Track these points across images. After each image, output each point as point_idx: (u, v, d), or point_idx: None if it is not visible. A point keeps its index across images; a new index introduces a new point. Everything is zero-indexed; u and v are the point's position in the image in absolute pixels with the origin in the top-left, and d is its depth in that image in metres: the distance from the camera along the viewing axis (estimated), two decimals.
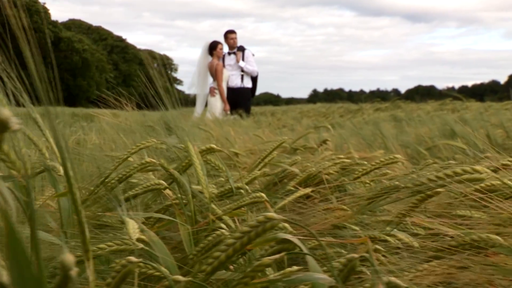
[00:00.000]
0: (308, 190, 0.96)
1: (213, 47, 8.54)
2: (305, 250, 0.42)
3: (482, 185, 0.86)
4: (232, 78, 8.62)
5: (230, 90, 8.57)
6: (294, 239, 0.43)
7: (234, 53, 8.65)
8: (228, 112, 8.40)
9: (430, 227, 0.58)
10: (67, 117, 13.61)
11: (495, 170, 1.26)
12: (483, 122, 3.32)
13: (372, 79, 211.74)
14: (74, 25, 65.12)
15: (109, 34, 66.86)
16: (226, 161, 2.18)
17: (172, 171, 0.76)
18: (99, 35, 66.05)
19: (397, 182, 0.66)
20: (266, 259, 0.42)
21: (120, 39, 67.25)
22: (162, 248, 0.50)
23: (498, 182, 0.82)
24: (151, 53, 78.63)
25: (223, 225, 0.71)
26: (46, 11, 47.22)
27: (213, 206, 0.80)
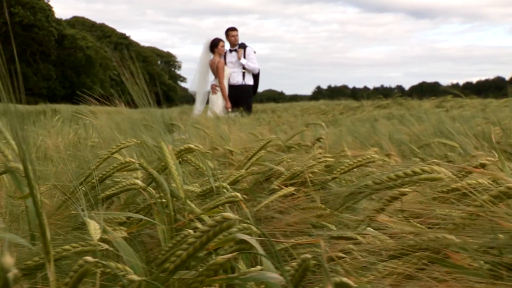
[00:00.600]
0: (291, 189, 0.97)
1: (214, 45, 8.54)
2: (260, 251, 0.43)
3: (459, 184, 0.86)
4: (233, 75, 8.62)
5: (232, 87, 8.57)
6: (251, 240, 0.45)
7: (236, 50, 8.65)
8: (230, 110, 8.41)
9: (393, 227, 0.59)
10: (69, 115, 13.63)
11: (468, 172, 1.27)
12: (481, 119, 3.32)
13: (376, 75, 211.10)
14: (78, 22, 65.18)
15: (113, 31, 66.90)
16: (221, 159, 2.20)
17: (151, 171, 0.77)
18: (103, 32, 66.11)
19: (369, 182, 0.67)
20: (220, 258, 0.43)
21: (124, 37, 67.33)
22: (126, 249, 0.51)
23: (474, 182, 0.83)
24: (154, 51, 78.60)
25: (198, 225, 0.72)
26: (50, 8, 47.31)
27: (192, 205, 0.81)
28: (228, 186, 0.89)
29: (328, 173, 1.04)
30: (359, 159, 0.95)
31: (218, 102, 8.50)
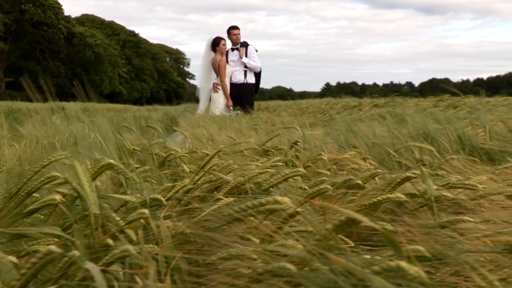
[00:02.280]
0: (230, 200, 0.98)
1: (216, 43, 8.55)
2: (99, 283, 0.45)
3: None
4: (235, 74, 8.62)
5: (233, 86, 8.57)
6: (94, 271, 0.46)
7: (237, 49, 8.65)
8: (231, 108, 8.41)
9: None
10: (74, 113, 13.68)
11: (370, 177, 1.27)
12: (469, 120, 3.30)
13: (386, 72, 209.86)
14: (87, 20, 65.48)
15: (121, 28, 67.13)
16: (199, 162, 2.21)
17: (75, 186, 0.78)
18: (112, 29, 66.35)
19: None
20: None
21: (133, 34, 67.51)
22: (7, 266, 0.53)
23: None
24: (163, 48, 78.57)
25: (109, 241, 0.73)
26: (59, 6, 47.57)
27: (117, 218, 0.82)
28: (163, 198, 0.91)
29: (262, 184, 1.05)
30: (287, 172, 0.96)
31: (220, 100, 8.50)
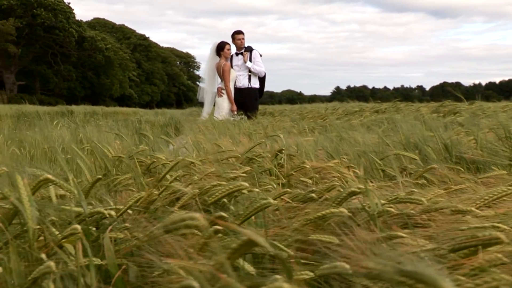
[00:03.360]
0: (183, 213, 0.98)
1: (220, 48, 8.57)
2: None
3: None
4: (239, 78, 8.63)
5: (238, 90, 8.58)
6: None
7: (242, 53, 8.66)
8: (235, 112, 8.42)
9: None
10: (82, 116, 13.74)
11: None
12: (460, 128, 3.28)
13: (396, 75, 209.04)
14: (99, 24, 66.02)
15: (132, 32, 67.59)
16: (186, 169, 2.21)
17: (12, 200, 0.79)
18: (123, 33, 66.83)
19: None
20: None
21: (143, 38, 67.94)
22: None
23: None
24: (173, 51, 78.93)
25: (43, 255, 0.74)
26: (70, 10, 48.02)
27: (56, 232, 0.83)
28: (104, 211, 0.91)
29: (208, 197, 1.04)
30: (231, 186, 0.95)
31: (224, 105, 8.51)
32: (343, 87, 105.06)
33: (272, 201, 0.83)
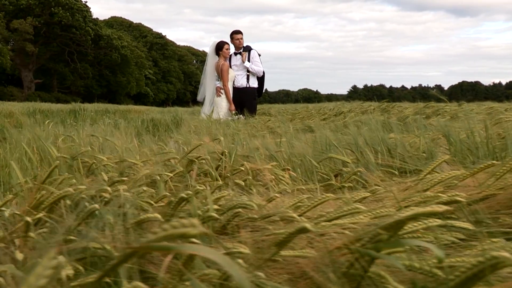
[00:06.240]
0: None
1: (219, 48, 8.64)
2: None
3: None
4: (237, 78, 8.68)
5: (236, 90, 8.63)
6: None
7: (240, 53, 8.70)
8: (234, 112, 8.47)
9: None
10: (92, 114, 13.85)
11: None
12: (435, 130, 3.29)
13: (415, 74, 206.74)
14: (116, 22, 66.62)
15: (149, 31, 68.07)
16: (127, 171, 2.27)
17: None
18: (140, 32, 67.34)
19: None
20: None
21: (160, 36, 68.36)
22: None
23: None
24: (190, 50, 78.96)
25: None
26: (87, 9, 48.58)
27: None
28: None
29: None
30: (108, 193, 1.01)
31: (222, 104, 8.57)
32: (360, 86, 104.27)
33: (152, 215, 0.89)
